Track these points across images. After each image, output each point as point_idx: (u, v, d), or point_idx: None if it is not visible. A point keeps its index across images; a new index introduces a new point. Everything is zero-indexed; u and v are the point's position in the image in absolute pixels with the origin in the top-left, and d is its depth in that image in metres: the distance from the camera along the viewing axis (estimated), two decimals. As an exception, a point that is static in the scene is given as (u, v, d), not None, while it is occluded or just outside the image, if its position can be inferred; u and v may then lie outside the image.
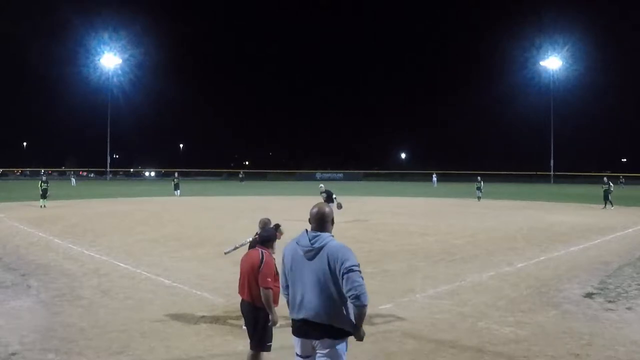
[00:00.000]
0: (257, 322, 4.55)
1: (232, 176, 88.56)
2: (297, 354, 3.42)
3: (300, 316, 3.32)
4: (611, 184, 26.06)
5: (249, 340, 4.72)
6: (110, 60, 69.55)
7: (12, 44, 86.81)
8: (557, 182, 64.41)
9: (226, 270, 9.91)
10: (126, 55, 71.33)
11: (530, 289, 8.34)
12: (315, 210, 3.48)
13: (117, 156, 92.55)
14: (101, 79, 71.09)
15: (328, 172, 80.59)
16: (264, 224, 5.71)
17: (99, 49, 69.72)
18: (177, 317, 6.67)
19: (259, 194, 38.02)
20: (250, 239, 5.76)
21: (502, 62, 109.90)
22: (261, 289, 4.41)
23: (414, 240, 13.75)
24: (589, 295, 7.88)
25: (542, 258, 11.22)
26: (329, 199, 18.71)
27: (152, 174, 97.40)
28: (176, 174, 38.90)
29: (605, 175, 28.29)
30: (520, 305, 7.30)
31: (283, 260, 3.51)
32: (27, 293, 7.92)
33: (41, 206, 24.01)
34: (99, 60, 70.05)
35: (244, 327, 4.99)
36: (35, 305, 7.22)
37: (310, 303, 3.27)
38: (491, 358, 5.27)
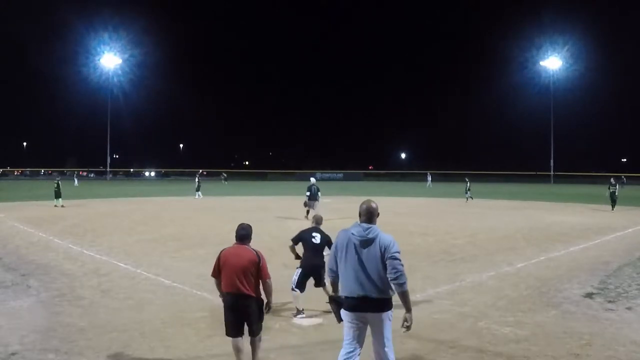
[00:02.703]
0: (252, 310, 4.84)
1: (233, 176, 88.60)
2: (348, 322, 4.08)
3: (358, 293, 3.98)
4: (618, 186, 25.03)
5: (243, 333, 4.89)
6: (110, 60, 69.53)
7: (12, 44, 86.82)
8: (557, 182, 64.37)
9: (226, 270, 9.91)
10: (126, 55, 71.38)
11: (530, 289, 8.34)
12: (365, 206, 4.16)
13: (117, 156, 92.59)
14: (101, 79, 71.19)
15: (328, 172, 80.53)
16: (317, 220, 7.23)
17: (99, 49, 69.77)
18: (177, 317, 6.67)
19: (259, 194, 38.01)
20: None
21: (502, 62, 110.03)
22: (267, 280, 4.91)
23: (414, 240, 13.76)
24: (589, 295, 7.88)
25: (542, 258, 11.22)
26: (312, 197, 19.19)
27: (152, 174, 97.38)
28: (198, 179, 34.14)
29: (612, 177, 27.56)
30: (520, 305, 7.30)
31: (336, 247, 4.16)
32: (27, 293, 7.92)
33: (55, 205, 24.18)
34: (99, 60, 70.07)
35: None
36: (35, 305, 7.22)
37: (365, 283, 3.96)
38: (491, 358, 5.27)
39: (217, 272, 5.02)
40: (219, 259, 5.02)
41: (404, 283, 3.91)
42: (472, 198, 31.31)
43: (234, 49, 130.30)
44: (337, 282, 4.22)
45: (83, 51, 72.68)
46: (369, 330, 4.12)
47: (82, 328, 6.17)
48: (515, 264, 10.51)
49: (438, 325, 6.37)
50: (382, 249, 3.98)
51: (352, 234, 4.08)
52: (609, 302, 7.48)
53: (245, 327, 4.89)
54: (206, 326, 6.33)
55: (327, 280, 4.32)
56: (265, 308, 4.97)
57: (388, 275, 3.92)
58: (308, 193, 19.53)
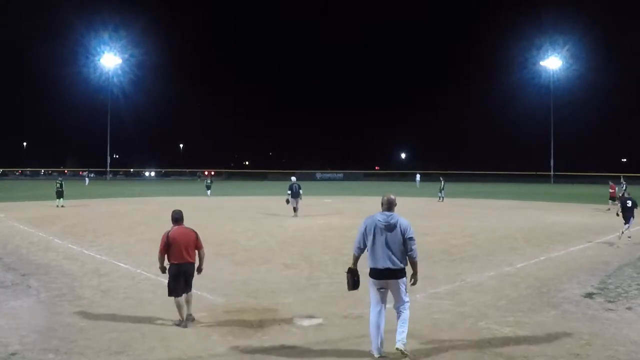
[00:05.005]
0: (192, 272, 6.50)
1: (233, 176, 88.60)
2: (377, 289, 5.24)
3: (384, 266, 5.16)
4: (625, 187, 23.86)
5: (186, 294, 6.42)
6: (110, 60, 69.51)
7: (12, 44, 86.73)
8: (557, 182, 64.38)
9: (226, 270, 9.91)
10: (126, 55, 71.31)
11: (530, 289, 8.34)
12: (386, 198, 5.43)
13: (117, 156, 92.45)
14: (101, 79, 71.14)
15: (328, 172, 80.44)
16: (629, 193, 13.47)
17: (99, 49, 69.72)
18: (177, 317, 6.66)
19: (259, 194, 38.02)
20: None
21: (502, 62, 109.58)
22: (202, 250, 6.66)
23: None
24: (589, 295, 7.88)
25: (542, 258, 11.22)
26: (294, 195, 19.87)
27: (152, 174, 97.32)
28: (209, 180, 39.34)
29: (621, 176, 27.29)
30: (520, 305, 7.30)
31: (365, 229, 5.30)
32: (27, 293, 7.92)
33: (57, 206, 24.25)
34: (99, 60, 70.03)
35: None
36: (35, 305, 7.22)
37: (390, 257, 5.16)
38: (491, 358, 5.27)
39: (164, 249, 6.38)
40: (167, 239, 6.35)
41: (417, 256, 5.33)
42: (442, 198, 31.35)
43: (234, 49, 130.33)
44: (359, 257, 5.38)
45: (83, 51, 72.60)
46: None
47: (82, 328, 6.17)
48: (515, 264, 10.51)
49: (438, 325, 6.37)
50: (403, 231, 5.21)
51: (378, 219, 5.26)
52: (609, 302, 7.47)
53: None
54: (206, 326, 6.33)
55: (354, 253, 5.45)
56: (198, 271, 6.60)
57: (406, 252, 5.23)
58: (289, 192, 20.45)
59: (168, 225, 7.00)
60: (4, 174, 79.65)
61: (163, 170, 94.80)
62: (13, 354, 5.27)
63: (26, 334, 5.92)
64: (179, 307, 6.31)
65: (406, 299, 5.31)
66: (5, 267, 9.95)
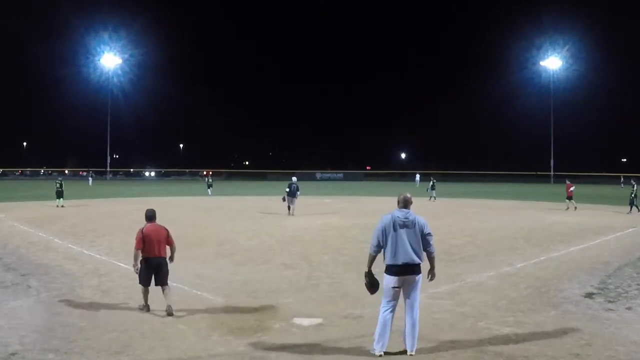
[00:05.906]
0: (165, 267, 6.98)
1: (233, 176, 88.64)
2: (393, 287, 5.30)
3: (402, 261, 5.26)
4: (636, 187, 23.35)
5: (160, 287, 6.90)
6: (110, 60, 69.54)
7: (12, 44, 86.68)
8: (557, 182, 64.36)
9: (226, 270, 9.91)
10: (126, 55, 71.34)
11: (530, 289, 8.34)
12: (402, 197, 5.58)
13: (117, 156, 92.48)
14: (101, 79, 71.19)
15: (328, 172, 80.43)
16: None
17: (99, 49, 69.76)
18: (177, 317, 6.67)
19: (259, 194, 38.02)
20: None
21: (502, 62, 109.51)
22: (173, 245, 7.20)
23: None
24: (589, 295, 7.88)
25: (542, 258, 11.22)
26: (292, 194, 20.37)
27: (152, 174, 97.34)
28: (210, 179, 43.71)
29: (632, 177, 27.14)
30: (520, 305, 7.30)
31: (384, 227, 5.38)
32: (27, 293, 7.92)
33: (57, 206, 24.25)
34: (99, 60, 70.06)
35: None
36: (35, 305, 7.22)
37: (409, 253, 5.28)
38: (491, 358, 5.27)
39: (141, 245, 6.84)
40: (142, 235, 6.88)
41: (434, 251, 5.53)
42: (434, 198, 31.28)
43: (234, 49, 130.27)
44: (375, 257, 5.46)
45: (83, 51, 72.62)
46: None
47: (82, 328, 6.17)
48: (515, 264, 10.51)
49: (438, 325, 6.36)
50: (421, 228, 5.40)
51: (397, 216, 5.40)
52: (609, 302, 7.47)
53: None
54: (206, 326, 6.33)
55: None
56: (170, 259, 7.11)
57: (425, 247, 5.42)
58: (287, 190, 20.74)
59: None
60: (4, 174, 79.66)
61: (163, 170, 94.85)
62: (13, 354, 5.27)
63: (26, 334, 5.92)
64: (144, 293, 6.91)
65: (418, 300, 5.40)
66: (5, 267, 9.95)
